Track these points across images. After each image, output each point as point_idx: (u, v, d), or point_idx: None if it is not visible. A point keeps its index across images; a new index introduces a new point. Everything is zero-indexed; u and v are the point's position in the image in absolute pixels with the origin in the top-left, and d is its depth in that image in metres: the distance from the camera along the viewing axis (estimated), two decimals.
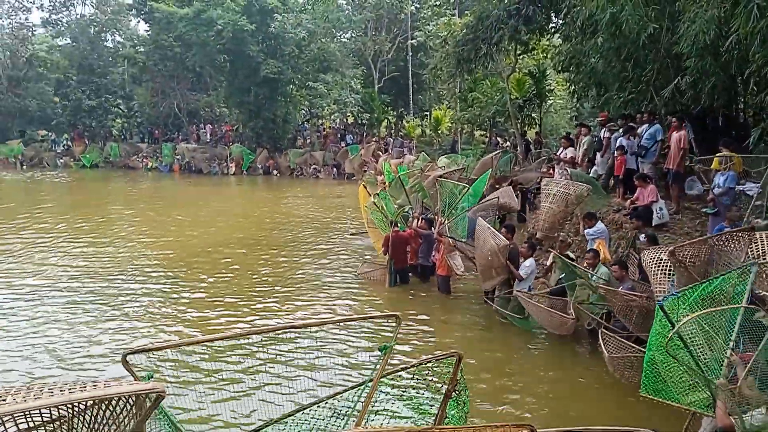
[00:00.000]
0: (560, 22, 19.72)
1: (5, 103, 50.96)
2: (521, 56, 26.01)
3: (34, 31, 54.90)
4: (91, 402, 2.27)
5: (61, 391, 2.23)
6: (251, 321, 11.06)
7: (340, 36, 46.10)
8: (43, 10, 54.01)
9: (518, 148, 25.21)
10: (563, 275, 10.01)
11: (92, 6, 53.79)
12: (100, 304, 12.13)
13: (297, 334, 9.73)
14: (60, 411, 2.28)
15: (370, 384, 4.55)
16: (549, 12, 20.01)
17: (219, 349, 9.07)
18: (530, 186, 18.74)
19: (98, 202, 28.32)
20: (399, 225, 14.22)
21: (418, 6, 46.33)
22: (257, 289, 13.22)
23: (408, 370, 4.92)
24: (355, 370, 8.62)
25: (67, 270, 14.83)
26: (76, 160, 47.94)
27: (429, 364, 4.79)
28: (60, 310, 11.73)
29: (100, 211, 25.47)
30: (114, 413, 2.36)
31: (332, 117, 45.54)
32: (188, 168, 42.95)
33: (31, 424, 2.23)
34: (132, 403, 2.39)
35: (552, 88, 31.44)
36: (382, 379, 4.66)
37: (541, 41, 25.10)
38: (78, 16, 53.69)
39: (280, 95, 40.40)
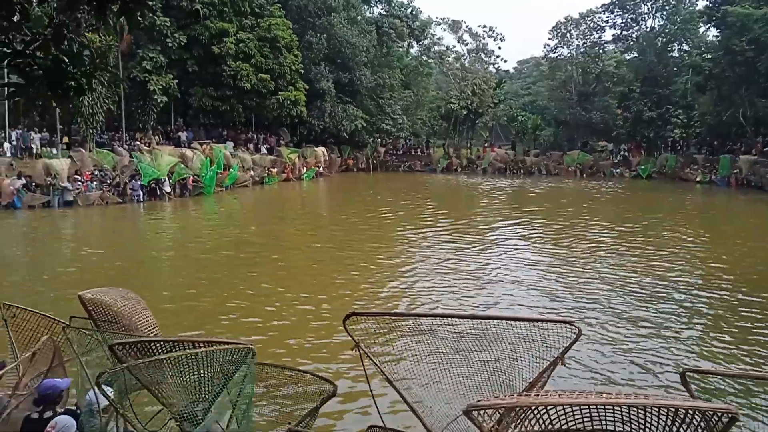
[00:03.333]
0: None
1: (574, 116, 56.74)
2: None
3: (605, 48, 59.25)
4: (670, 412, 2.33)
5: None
6: None
7: None
8: (615, 28, 57.69)
9: None
10: None
11: (662, 18, 54.42)
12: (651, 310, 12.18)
13: None
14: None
15: None
16: None
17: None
18: None
19: (647, 213, 28.51)
20: None
21: None
22: None
23: None
24: None
25: (619, 275, 15.48)
26: (631, 170, 49.64)
27: None
28: (608, 313, 12.27)
29: (645, 221, 25.63)
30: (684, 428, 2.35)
31: None
32: (747, 183, 39.05)
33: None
34: (704, 422, 2.32)
35: None
36: None
37: None
38: (647, 30, 55.21)
39: None
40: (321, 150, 47.74)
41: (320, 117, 46.41)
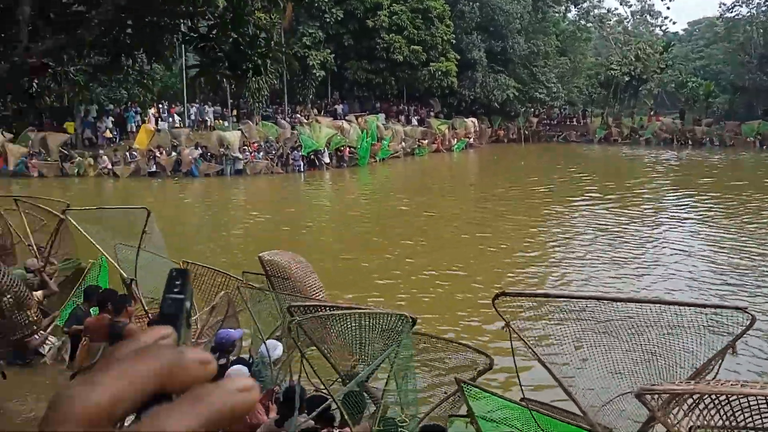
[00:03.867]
0: None
1: (753, 82, 50.90)
2: None
3: None
4: None
5: None
6: None
7: None
8: None
9: None
10: None
11: None
12: None
13: None
14: None
15: None
16: None
17: None
18: None
19: None
20: None
21: None
22: None
23: None
24: None
25: None
26: None
27: None
28: None
29: None
30: None
31: None
32: None
33: None
34: None
35: None
36: None
37: None
38: None
39: None
40: (471, 121, 47.23)
41: (471, 87, 45.86)
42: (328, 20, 37.22)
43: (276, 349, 6.12)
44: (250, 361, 6.38)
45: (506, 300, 3.96)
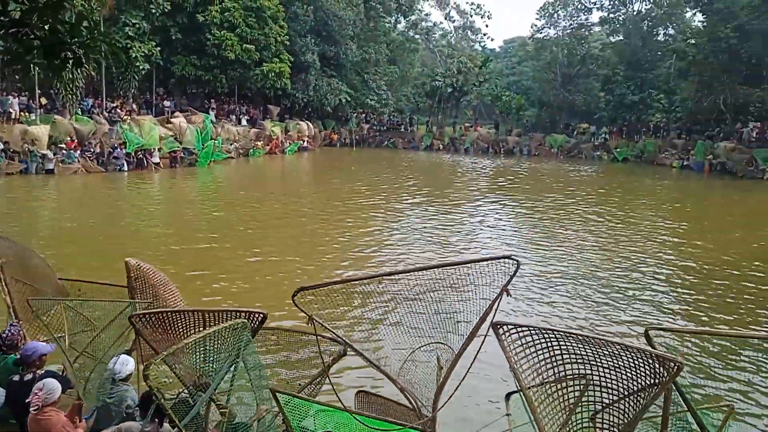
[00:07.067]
0: None
1: (557, 98, 56.94)
2: None
3: (591, 30, 59.24)
4: None
5: None
6: None
7: None
8: (602, 10, 57.59)
9: None
10: None
11: (649, 1, 54.46)
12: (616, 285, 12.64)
13: None
14: None
15: None
16: None
17: None
18: None
19: (623, 196, 29.08)
20: None
21: None
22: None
23: None
24: None
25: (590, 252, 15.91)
26: (609, 153, 50.11)
27: None
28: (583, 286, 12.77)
29: (619, 205, 26.15)
30: None
31: None
32: (721, 169, 39.69)
33: None
34: None
35: None
36: None
37: None
38: (634, 13, 55.27)
39: None
40: (305, 124, 47.37)
41: (304, 90, 45.95)
42: (153, 11, 35.07)
43: (127, 363, 5.66)
44: (63, 374, 5.86)
45: (308, 294, 4.03)
